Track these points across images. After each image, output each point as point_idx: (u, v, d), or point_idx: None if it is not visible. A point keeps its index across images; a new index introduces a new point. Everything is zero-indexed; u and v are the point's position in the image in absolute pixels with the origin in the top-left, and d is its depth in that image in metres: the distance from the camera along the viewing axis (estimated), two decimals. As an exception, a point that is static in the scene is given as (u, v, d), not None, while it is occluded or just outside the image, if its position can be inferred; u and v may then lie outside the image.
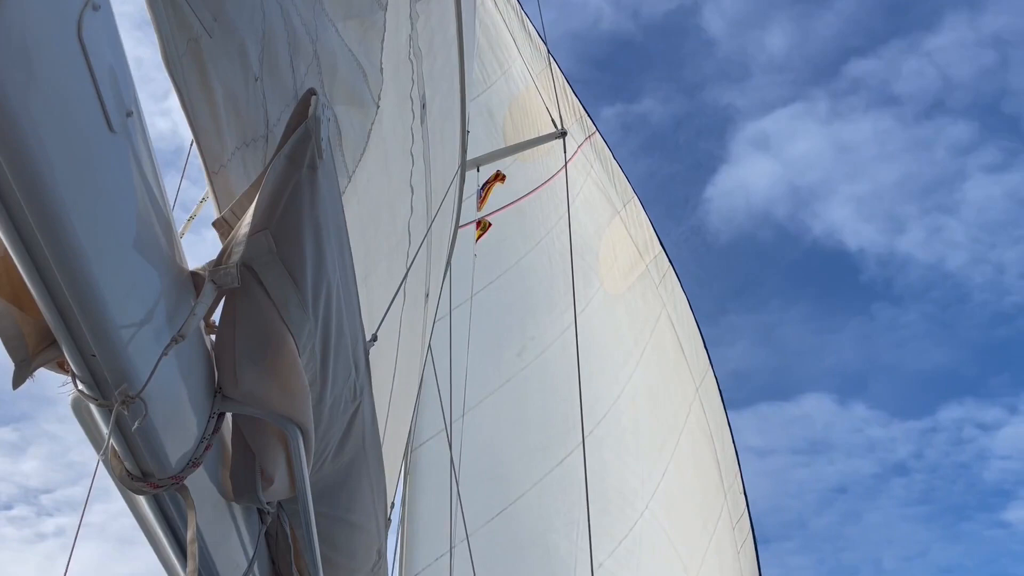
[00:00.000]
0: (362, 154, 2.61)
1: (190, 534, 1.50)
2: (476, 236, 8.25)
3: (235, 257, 1.40)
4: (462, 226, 8.10)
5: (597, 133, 10.00)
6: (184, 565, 1.85)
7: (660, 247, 8.78)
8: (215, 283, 1.40)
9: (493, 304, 8.63)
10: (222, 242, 1.47)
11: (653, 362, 8.26)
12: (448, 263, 4.95)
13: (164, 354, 1.28)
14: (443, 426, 7.24)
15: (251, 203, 1.42)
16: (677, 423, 8.08)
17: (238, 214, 1.49)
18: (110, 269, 1.20)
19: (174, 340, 1.30)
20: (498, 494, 8.07)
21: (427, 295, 3.90)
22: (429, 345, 7.20)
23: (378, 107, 2.62)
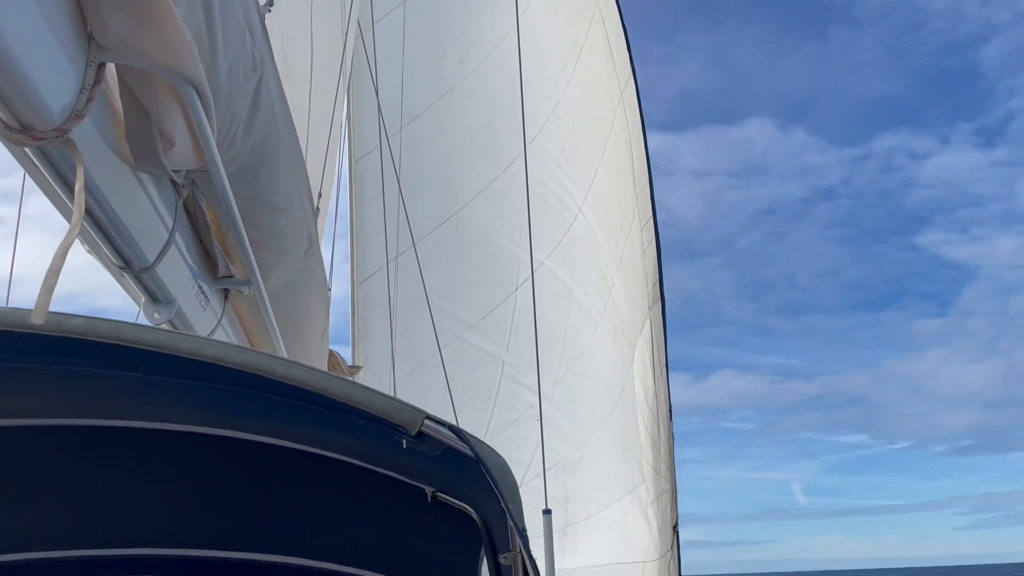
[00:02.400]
0: None
1: (77, 186, 1.49)
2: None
3: None
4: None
5: None
6: (91, 227, 1.87)
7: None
8: None
9: (432, 6, 8.18)
10: None
11: (587, 67, 8.10)
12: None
13: None
14: (386, 136, 7.18)
15: None
16: (604, 129, 8.14)
17: None
18: None
19: None
20: (445, 202, 8.23)
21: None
22: (364, 50, 6.90)
23: None
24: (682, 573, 7.90)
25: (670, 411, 8.24)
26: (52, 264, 1.48)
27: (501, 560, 1.82)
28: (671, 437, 8.23)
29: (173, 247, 2.20)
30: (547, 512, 5.06)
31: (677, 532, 7.88)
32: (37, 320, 1.36)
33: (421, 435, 1.59)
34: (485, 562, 1.97)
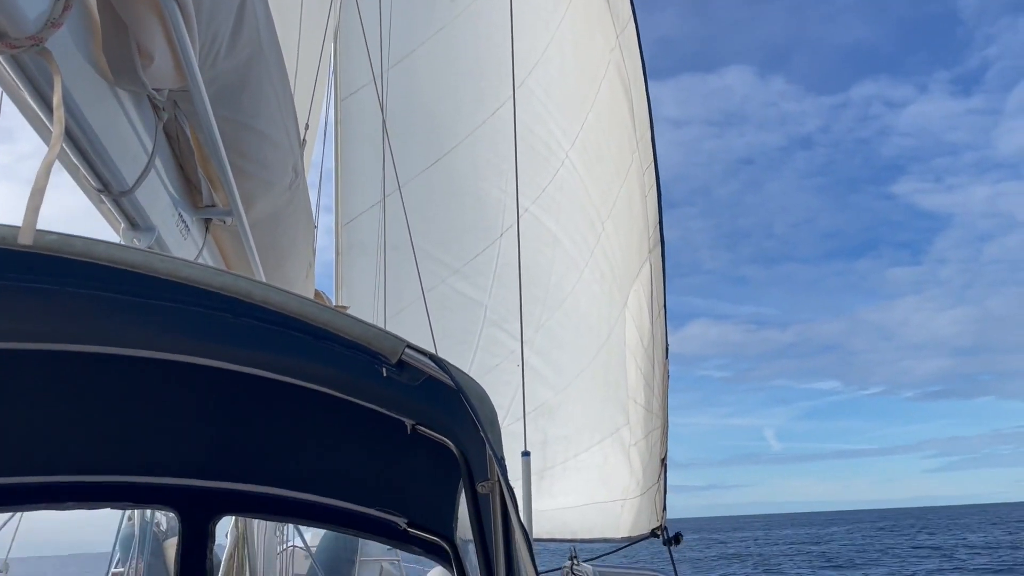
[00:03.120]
0: None
1: (56, 99, 1.44)
2: None
3: None
4: None
5: None
6: (69, 146, 1.83)
7: None
8: None
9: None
10: None
11: (580, 8, 7.91)
12: None
13: None
14: (373, 77, 7.05)
15: None
16: (597, 73, 7.98)
17: None
18: None
19: None
20: (432, 145, 8.15)
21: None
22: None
23: None
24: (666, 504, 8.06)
25: (666, 350, 8.25)
26: (36, 183, 1.43)
27: (479, 489, 1.82)
28: (666, 375, 8.26)
29: (153, 171, 2.15)
30: (526, 454, 5.11)
31: (665, 465, 8.02)
32: (26, 240, 1.30)
33: (401, 364, 1.58)
34: (464, 495, 1.98)
